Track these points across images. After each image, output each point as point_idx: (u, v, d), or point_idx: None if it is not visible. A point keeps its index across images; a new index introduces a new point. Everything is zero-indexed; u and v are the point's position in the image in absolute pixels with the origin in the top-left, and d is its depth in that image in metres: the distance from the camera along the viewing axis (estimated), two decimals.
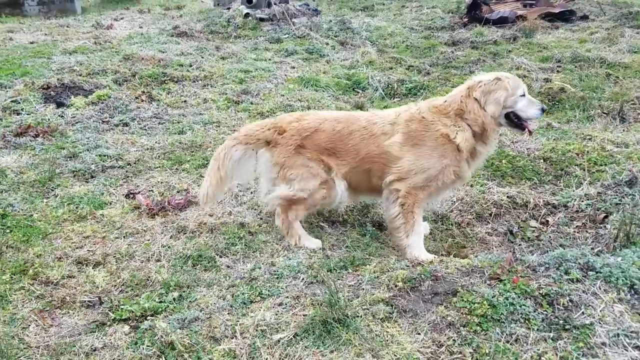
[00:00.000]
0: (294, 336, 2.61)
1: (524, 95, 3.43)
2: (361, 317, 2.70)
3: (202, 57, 8.49)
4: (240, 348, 2.53)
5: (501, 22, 10.20)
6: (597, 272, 2.86)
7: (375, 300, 2.81)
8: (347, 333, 2.58)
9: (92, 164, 4.69)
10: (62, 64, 7.65)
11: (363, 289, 2.94)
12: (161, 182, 4.47)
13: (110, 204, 4.10)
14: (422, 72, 7.83)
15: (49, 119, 5.70)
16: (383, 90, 7.06)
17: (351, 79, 7.50)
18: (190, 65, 7.93)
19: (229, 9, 12.19)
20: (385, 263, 3.21)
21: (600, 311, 2.64)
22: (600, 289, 2.78)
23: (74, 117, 5.84)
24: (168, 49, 8.88)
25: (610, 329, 2.54)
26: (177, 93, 6.82)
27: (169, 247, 3.49)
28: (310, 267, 3.19)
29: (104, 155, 4.88)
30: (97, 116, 5.92)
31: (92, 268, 3.22)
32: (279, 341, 2.58)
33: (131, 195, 4.20)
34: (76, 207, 3.94)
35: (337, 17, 11.26)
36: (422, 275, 2.94)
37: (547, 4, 11.21)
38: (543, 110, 3.47)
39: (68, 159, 4.79)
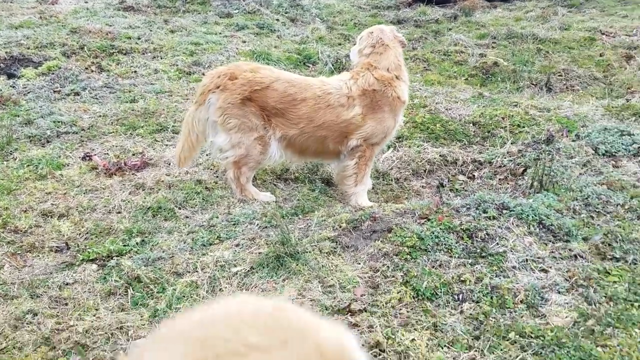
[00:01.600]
0: (250, 269, 2.94)
1: None
2: (310, 252, 3.06)
3: (151, 30, 8.51)
4: (202, 280, 2.84)
5: (443, 2, 10.68)
6: (510, 211, 3.33)
7: (322, 238, 3.18)
8: (297, 265, 2.94)
9: (47, 129, 4.81)
10: (9, 38, 7.53)
11: (312, 230, 3.30)
12: (116, 146, 4.65)
13: (68, 165, 4.26)
14: None
15: (0, 89, 5.71)
16: (332, 65, 7.37)
17: (302, 53, 7.77)
18: (139, 38, 7.96)
19: None
20: (331, 210, 3.58)
21: (512, 242, 3.10)
22: (513, 224, 3.25)
23: (26, 87, 5.87)
24: (115, 23, 8.83)
25: (520, 255, 3.00)
26: (127, 64, 6.89)
27: (128, 202, 3.72)
28: (264, 215, 3.51)
29: (58, 122, 4.99)
30: (48, 86, 5.96)
31: (57, 219, 3.43)
32: (236, 273, 2.91)
33: (87, 158, 4.37)
34: (36, 168, 4.09)
35: None
36: (363, 217, 3.33)
37: None
38: None
39: (23, 126, 4.88)
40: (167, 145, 4.73)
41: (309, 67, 7.42)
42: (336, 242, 3.15)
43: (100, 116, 5.23)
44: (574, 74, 6.59)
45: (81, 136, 4.82)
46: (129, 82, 6.25)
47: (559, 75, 6.60)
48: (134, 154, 4.48)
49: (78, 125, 4.98)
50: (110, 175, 4.07)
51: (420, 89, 6.14)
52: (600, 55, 7.24)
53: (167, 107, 5.53)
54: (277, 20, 9.43)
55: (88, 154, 4.41)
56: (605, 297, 2.59)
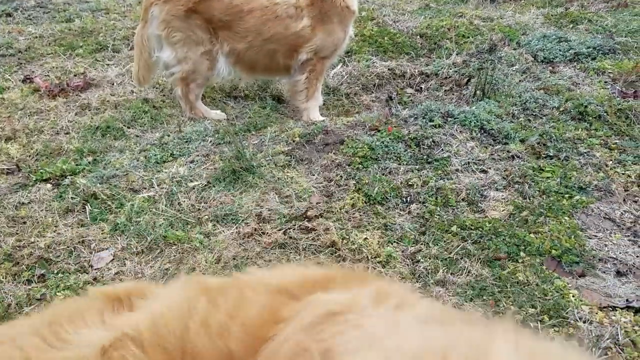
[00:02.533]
0: (207, 184, 3.00)
1: None
2: (265, 166, 3.14)
3: None
4: (159, 195, 2.89)
5: None
6: (455, 118, 3.49)
7: (276, 152, 3.25)
8: (253, 178, 3.02)
9: None
10: None
11: (265, 145, 3.36)
12: (56, 67, 4.45)
13: (8, 88, 4.07)
14: None
15: None
16: None
17: None
18: None
19: None
20: (284, 125, 3.64)
21: (456, 147, 3.28)
22: (457, 131, 3.42)
23: None
24: None
25: (463, 159, 3.19)
26: None
27: (75, 122, 3.63)
28: (217, 132, 3.53)
29: None
30: None
31: (4, 142, 3.33)
32: (193, 188, 2.97)
33: (28, 80, 4.18)
34: None
35: None
36: (315, 131, 3.41)
37: None
38: None
39: None
40: (108, 64, 4.56)
41: None
42: (290, 156, 3.23)
43: (36, 37, 4.95)
44: None
45: (19, 58, 4.57)
46: (62, 1, 5.86)
47: None
48: (75, 75, 4.31)
49: (14, 47, 4.71)
50: (53, 97, 3.93)
51: (367, 1, 6.07)
52: None
53: (104, 25, 5.27)
54: None
55: (28, 77, 4.21)
56: (539, 191, 2.83)
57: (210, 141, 3.47)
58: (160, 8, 3.58)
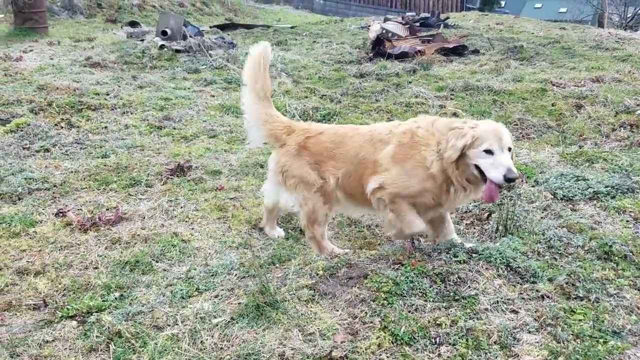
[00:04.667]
0: (230, 319, 2.97)
1: (490, 152, 3.18)
2: (288, 300, 3.12)
3: (119, 86, 8.63)
4: (183, 332, 2.86)
5: (402, 56, 11.22)
6: (479, 255, 3.49)
7: (300, 286, 3.25)
8: (277, 314, 2.99)
9: (19, 186, 4.78)
10: None
11: (289, 278, 3.37)
12: (89, 202, 4.66)
13: (42, 222, 4.24)
14: (334, 101, 8.51)
15: None
16: (300, 116, 7.62)
17: None
18: (107, 94, 8.06)
19: (142, 40, 12.33)
20: (308, 257, 3.67)
21: (483, 284, 3.25)
22: (482, 267, 3.40)
23: None
24: (82, 79, 8.93)
25: (491, 297, 3.14)
26: (96, 120, 6.96)
27: (105, 257, 3.72)
28: (242, 265, 3.57)
29: (29, 179, 4.98)
30: (17, 143, 5.95)
31: (33, 277, 3.40)
32: (217, 325, 2.94)
33: (61, 214, 4.36)
34: (8, 225, 4.06)
35: None
36: (339, 264, 3.43)
37: (443, 40, 12.48)
38: (508, 180, 3.15)
39: None
40: (140, 199, 4.76)
41: None
42: (314, 290, 3.23)
43: (72, 172, 5.25)
44: (528, 122, 7.00)
45: (53, 192, 4.81)
46: (99, 138, 6.29)
47: (514, 125, 7.00)
48: (108, 209, 4.50)
49: (50, 181, 4.98)
50: (85, 231, 4.07)
51: None
52: (553, 105, 7.72)
53: (139, 161, 5.59)
54: None
55: (61, 210, 4.40)
56: (572, 334, 2.74)
57: (236, 275, 3.50)
58: (277, 152, 3.83)
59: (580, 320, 2.85)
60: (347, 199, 3.77)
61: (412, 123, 3.56)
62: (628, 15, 31.47)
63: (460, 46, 11.91)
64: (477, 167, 3.25)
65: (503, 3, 52.07)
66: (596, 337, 2.70)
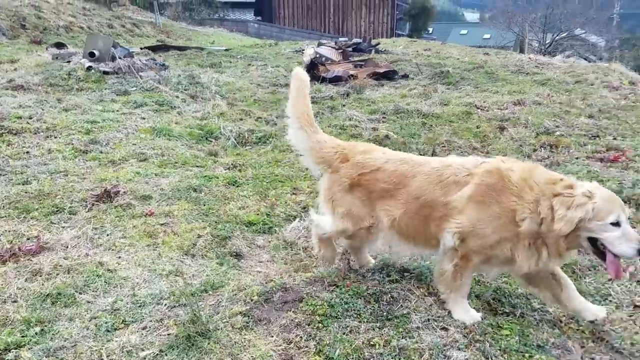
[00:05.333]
0: (159, 352, 2.85)
1: (617, 224, 2.79)
2: (221, 329, 3.04)
3: (43, 109, 8.22)
4: None
5: (336, 80, 11.44)
6: (411, 273, 3.56)
7: (233, 313, 3.18)
8: (209, 344, 2.90)
9: None
10: None
11: (223, 305, 3.29)
12: (8, 231, 4.36)
13: None
14: (270, 123, 8.51)
15: None
16: (235, 139, 7.55)
17: (203, 129, 7.88)
18: (30, 117, 7.65)
19: (69, 62, 11.87)
20: (242, 283, 3.60)
21: (415, 303, 3.30)
22: (414, 286, 3.47)
23: None
24: (4, 102, 8.43)
25: (423, 316, 3.19)
26: (18, 145, 6.57)
27: (25, 289, 3.47)
28: (172, 294, 3.44)
29: None
30: None
31: None
32: (145, 358, 2.80)
33: None
34: None
35: (186, 72, 11.64)
36: (274, 288, 3.39)
37: (374, 65, 12.86)
38: None
39: None
40: (63, 227, 4.51)
41: (211, 141, 7.53)
42: (248, 316, 3.16)
43: None
44: (455, 144, 7.29)
45: None
46: (20, 164, 5.94)
47: (442, 146, 7.27)
48: (28, 238, 4.22)
49: None
50: (3, 262, 3.79)
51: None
52: (477, 127, 8.10)
53: (63, 187, 5.31)
54: (177, 97, 9.53)
55: None
56: (500, 350, 2.83)
57: (166, 304, 3.37)
58: (329, 177, 3.58)
59: (507, 335, 2.95)
60: (401, 240, 3.41)
61: (500, 163, 3.13)
62: (547, 42, 33.85)
63: (391, 71, 12.32)
64: (590, 238, 2.86)
65: (431, 30, 54.44)
66: (522, 352, 2.80)
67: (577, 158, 6.45)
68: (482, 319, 3.11)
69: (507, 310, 3.20)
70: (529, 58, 15.05)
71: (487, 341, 2.89)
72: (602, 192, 2.88)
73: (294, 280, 3.53)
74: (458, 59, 15.13)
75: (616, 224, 2.78)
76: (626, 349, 2.93)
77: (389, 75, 12.12)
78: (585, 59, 28.26)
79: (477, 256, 3.07)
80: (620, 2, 47.74)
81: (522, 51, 27.70)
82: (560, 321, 3.12)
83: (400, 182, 3.30)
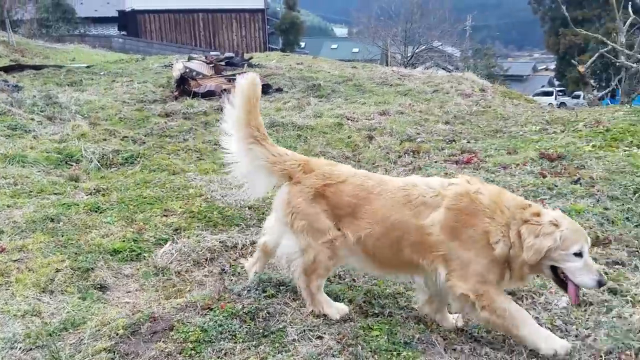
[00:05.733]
0: None
1: (579, 254, 2.84)
2: None
3: None
4: None
5: (209, 95, 11.27)
6: (287, 286, 3.57)
7: (97, 350, 2.95)
8: None
9: None
10: None
11: (85, 343, 3.04)
12: None
13: None
14: (138, 142, 8.12)
15: None
16: (98, 161, 7.08)
17: (62, 152, 7.29)
18: None
19: None
20: (107, 317, 3.36)
21: (291, 316, 3.31)
22: (290, 299, 3.48)
23: None
24: None
25: (299, 327, 3.20)
26: None
27: None
28: (28, 336, 3.12)
29: None
30: None
31: None
32: None
33: None
34: None
35: (42, 92, 10.73)
36: (142, 319, 3.20)
37: None
38: (600, 284, 2.86)
39: None
40: None
41: (72, 165, 7.00)
42: (114, 352, 2.95)
43: None
44: (329, 154, 7.51)
45: None
46: None
47: (318, 157, 7.44)
48: None
49: None
50: None
51: (195, 178, 6.27)
52: (349, 138, 8.43)
53: None
54: (32, 119, 8.75)
55: None
56: (371, 351, 2.92)
57: (21, 348, 3.05)
58: (289, 189, 3.28)
59: (377, 335, 3.06)
60: (370, 261, 3.26)
61: (467, 185, 3.08)
62: (408, 55, 36.33)
63: (265, 85, 12.40)
64: (553, 267, 2.91)
65: (303, 44, 55.94)
66: (391, 350, 2.92)
67: (435, 162, 6.95)
68: (354, 322, 3.20)
69: (376, 311, 3.32)
70: (392, 70, 16.03)
71: (359, 344, 2.97)
72: (568, 222, 2.91)
73: (164, 308, 3.37)
74: (329, 72, 15.64)
75: (579, 254, 2.83)
76: (484, 337, 3.18)
77: (263, 90, 12.15)
78: (444, 69, 30.84)
79: (487, 284, 2.93)
80: (471, 15, 52.74)
81: (387, 64, 29.48)
82: (425, 316, 3.31)
83: (366, 198, 3.16)
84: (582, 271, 2.83)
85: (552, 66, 56.43)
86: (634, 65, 15.20)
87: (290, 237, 3.29)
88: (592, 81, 20.09)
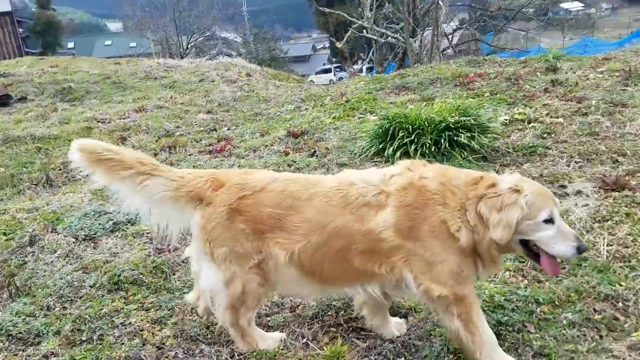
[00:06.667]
0: None
1: (550, 221, 2.43)
2: None
3: None
4: None
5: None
6: None
7: None
8: None
9: None
10: None
11: None
12: None
13: None
14: None
15: None
16: None
17: None
18: None
19: None
20: None
21: None
22: None
23: None
24: None
25: None
26: None
27: None
28: None
29: None
30: None
31: None
32: None
33: None
34: None
35: None
36: None
37: None
38: (580, 250, 2.44)
39: None
40: None
41: None
42: None
43: None
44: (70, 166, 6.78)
45: None
46: None
47: (59, 170, 6.69)
48: None
49: None
50: None
51: None
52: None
53: None
54: None
55: None
56: None
57: None
58: (201, 214, 2.68)
59: None
60: (311, 280, 2.69)
61: (409, 173, 2.61)
62: (184, 45, 35.18)
63: (4, 95, 10.90)
64: (523, 241, 2.48)
65: (72, 44, 50.95)
66: None
67: (190, 155, 6.74)
68: (59, 358, 2.83)
69: (86, 338, 2.98)
70: (158, 63, 15.34)
71: None
72: (530, 185, 2.52)
73: None
74: (88, 72, 14.35)
75: (549, 220, 2.42)
76: None
77: (2, 101, 10.67)
78: (228, 56, 30.74)
79: (466, 287, 2.52)
80: (245, 0, 53.54)
81: (171, 56, 28.17)
82: (142, 329, 3.06)
83: (293, 206, 2.64)
84: (556, 239, 2.42)
85: (328, 44, 60.47)
86: (379, 38, 16.88)
87: (211, 268, 2.73)
88: (350, 55, 21.90)
